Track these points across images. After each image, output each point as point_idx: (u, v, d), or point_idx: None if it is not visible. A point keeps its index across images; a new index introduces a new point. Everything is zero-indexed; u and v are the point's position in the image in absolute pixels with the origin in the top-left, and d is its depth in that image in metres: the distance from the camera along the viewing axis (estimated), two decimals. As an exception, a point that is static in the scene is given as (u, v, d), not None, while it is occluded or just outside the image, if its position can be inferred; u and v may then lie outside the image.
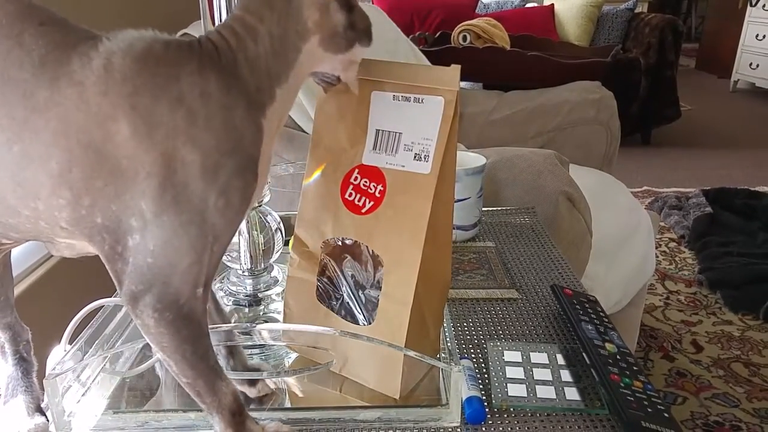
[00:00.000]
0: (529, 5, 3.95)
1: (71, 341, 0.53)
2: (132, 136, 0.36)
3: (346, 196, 0.52)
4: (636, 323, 1.47)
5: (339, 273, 0.54)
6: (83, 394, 0.51)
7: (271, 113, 0.42)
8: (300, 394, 0.55)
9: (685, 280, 2.11)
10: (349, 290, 0.54)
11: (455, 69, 0.48)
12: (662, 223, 2.59)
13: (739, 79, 4.96)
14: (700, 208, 2.60)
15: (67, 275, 0.88)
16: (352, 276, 0.53)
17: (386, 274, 0.51)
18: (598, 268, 1.22)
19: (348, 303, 0.54)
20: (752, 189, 2.79)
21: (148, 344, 0.41)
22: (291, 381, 0.55)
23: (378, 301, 0.52)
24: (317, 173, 0.54)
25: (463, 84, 2.40)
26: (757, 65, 4.68)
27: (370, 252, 0.52)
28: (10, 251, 0.47)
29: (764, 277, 2.01)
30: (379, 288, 0.51)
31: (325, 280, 0.55)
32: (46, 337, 0.53)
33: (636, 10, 3.98)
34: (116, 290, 0.39)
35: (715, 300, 1.96)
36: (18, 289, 0.79)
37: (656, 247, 2.36)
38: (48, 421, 0.48)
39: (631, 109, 3.38)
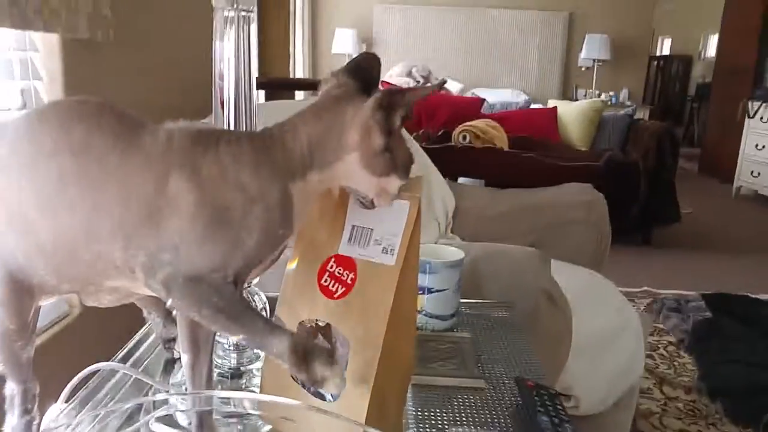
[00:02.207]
0: (533, 107, 4.16)
1: (68, 400, 0.59)
2: (178, 187, 0.47)
3: (322, 281, 0.59)
4: (625, 426, 1.47)
5: (312, 352, 0.60)
6: (72, 451, 0.56)
7: (301, 186, 0.51)
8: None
9: (684, 386, 2.09)
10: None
11: (418, 179, 0.57)
12: (661, 326, 2.60)
13: (741, 186, 5.07)
14: (700, 313, 2.62)
15: (69, 340, 0.95)
16: (323, 355, 0.59)
17: (352, 355, 0.57)
18: (581, 365, 1.26)
19: (318, 380, 0.59)
20: (753, 296, 2.80)
21: (137, 408, 0.48)
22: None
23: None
24: (298, 261, 0.61)
25: (462, 180, 2.53)
26: (759, 173, 4.81)
27: (339, 334, 0.58)
28: (38, 312, 0.54)
29: (765, 387, 1.99)
30: (344, 368, 0.57)
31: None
32: (46, 394, 0.59)
33: (636, 116, 4.18)
34: (112, 356, 0.46)
35: (715, 409, 1.94)
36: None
37: (654, 350, 2.36)
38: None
39: (631, 210, 3.47)
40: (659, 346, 2.41)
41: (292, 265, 0.62)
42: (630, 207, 3.45)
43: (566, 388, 1.22)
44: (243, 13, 0.62)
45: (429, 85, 0.52)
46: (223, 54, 0.63)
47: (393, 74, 4.72)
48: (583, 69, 5.73)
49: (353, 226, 0.59)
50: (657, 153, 3.57)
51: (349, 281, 0.58)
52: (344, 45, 5.36)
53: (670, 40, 9.05)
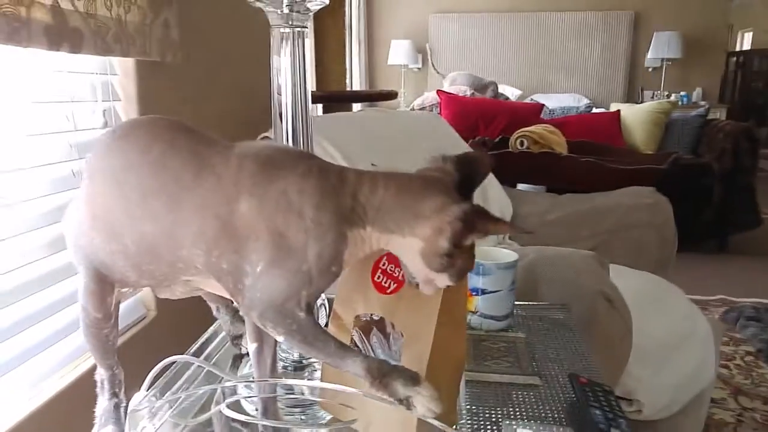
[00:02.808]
0: (595, 111, 4.06)
1: (149, 388, 0.65)
2: (248, 212, 0.50)
3: (375, 278, 0.63)
4: (692, 434, 1.43)
5: (367, 345, 0.64)
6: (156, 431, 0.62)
7: (355, 235, 0.51)
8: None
9: (762, 397, 2.00)
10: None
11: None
12: (738, 335, 2.49)
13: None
14: (780, 322, 2.49)
15: (147, 338, 1.03)
16: (378, 348, 0.63)
17: (405, 347, 0.60)
18: (644, 370, 1.24)
19: (374, 372, 0.63)
20: (837, 304, 2.65)
21: (208, 400, 0.53)
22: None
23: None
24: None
25: (521, 186, 2.51)
26: None
27: (392, 327, 0.61)
28: (119, 303, 0.61)
29: None
30: (399, 360, 0.60)
31: (357, 349, 0.64)
32: (130, 384, 0.65)
33: (710, 116, 4.00)
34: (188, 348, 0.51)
35: (796, 422, 1.85)
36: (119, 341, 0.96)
37: (730, 360, 2.26)
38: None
39: (704, 215, 3.33)
40: (736, 355, 2.31)
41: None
42: (702, 211, 3.32)
43: (628, 392, 1.20)
44: (298, 29, 0.67)
45: (517, 226, 0.51)
46: (280, 68, 0.68)
47: (450, 82, 4.72)
48: (650, 70, 5.53)
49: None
50: (733, 154, 3.39)
51: (400, 278, 0.62)
52: (400, 56, 5.41)
53: (751, 33, 8.50)
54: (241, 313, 0.53)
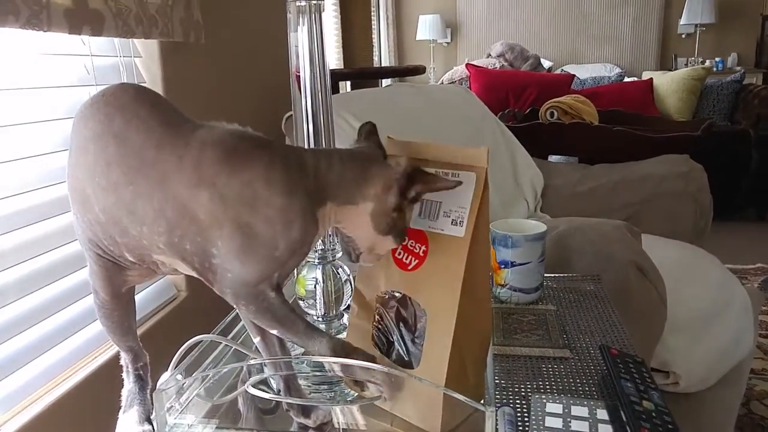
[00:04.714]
0: (627, 80, 3.95)
1: (176, 368, 0.66)
2: (209, 203, 0.50)
3: (397, 255, 0.62)
4: (730, 405, 1.39)
5: (391, 321, 0.63)
6: (181, 411, 0.63)
7: (321, 212, 0.54)
8: (356, 426, 0.63)
9: (804, 368, 1.95)
10: (398, 337, 0.62)
11: (484, 150, 0.58)
12: (777, 304, 2.42)
13: None
14: (823, 289, 2.42)
15: (178, 318, 1.04)
16: (401, 324, 0.62)
17: (429, 323, 0.59)
18: (680, 341, 1.21)
19: (398, 348, 0.62)
20: None
21: (235, 380, 0.54)
22: (349, 415, 0.64)
23: (422, 347, 0.60)
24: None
25: (553, 158, 2.46)
26: None
27: (415, 303, 0.61)
28: (134, 287, 0.61)
29: None
30: (423, 335, 0.60)
31: (379, 327, 0.64)
32: (162, 363, 0.66)
33: (745, 82, 3.87)
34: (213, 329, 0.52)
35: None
36: (148, 325, 0.99)
37: (770, 329, 2.20)
38: (153, 429, 0.60)
39: (742, 183, 3.23)
40: (776, 325, 2.25)
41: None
42: (740, 179, 3.22)
43: (664, 364, 1.18)
44: (314, 3, 0.66)
45: (453, 180, 0.53)
46: (298, 44, 0.67)
47: (490, 53, 4.61)
48: (683, 36, 5.35)
49: (423, 200, 0.61)
50: (770, 120, 3.30)
51: (421, 253, 0.61)
52: (428, 31, 5.35)
53: (788, -6, 8.16)
54: (215, 290, 0.53)
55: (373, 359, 0.54)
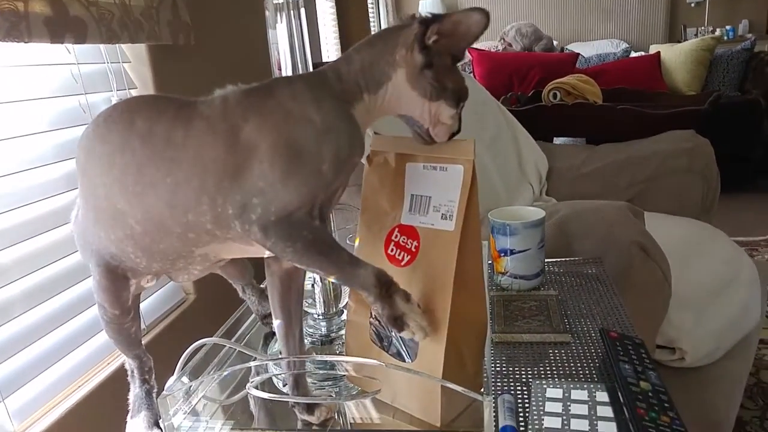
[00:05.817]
0: (633, 55, 3.89)
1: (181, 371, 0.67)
2: (249, 135, 0.50)
3: (389, 251, 0.63)
4: (737, 377, 1.39)
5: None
6: (187, 413, 0.64)
7: (360, 108, 0.55)
8: (359, 420, 0.65)
9: (815, 337, 1.93)
10: (395, 332, 0.63)
11: (470, 142, 0.58)
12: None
13: None
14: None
15: (187, 322, 1.06)
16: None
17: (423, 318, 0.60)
18: (686, 317, 1.21)
19: (395, 344, 0.64)
20: None
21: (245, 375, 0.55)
22: (353, 409, 0.65)
23: (418, 342, 0.61)
24: (364, 233, 0.65)
25: (558, 140, 2.44)
26: None
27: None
28: (139, 297, 0.63)
29: None
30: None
31: (376, 323, 0.65)
32: (169, 367, 0.68)
33: (756, 50, 3.79)
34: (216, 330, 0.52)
35: None
36: (157, 329, 1.00)
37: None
38: (161, 433, 0.62)
39: (755, 153, 3.19)
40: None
41: (359, 240, 0.66)
42: (751, 150, 3.17)
43: (670, 341, 1.18)
44: (292, -1, 0.66)
45: (467, 8, 0.53)
46: (278, 42, 0.67)
47: (511, 35, 4.57)
48: (692, 5, 5.23)
49: (412, 195, 0.62)
50: (782, 88, 3.24)
51: (413, 249, 0.61)
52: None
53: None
54: (253, 240, 0.52)
55: (410, 296, 0.55)
